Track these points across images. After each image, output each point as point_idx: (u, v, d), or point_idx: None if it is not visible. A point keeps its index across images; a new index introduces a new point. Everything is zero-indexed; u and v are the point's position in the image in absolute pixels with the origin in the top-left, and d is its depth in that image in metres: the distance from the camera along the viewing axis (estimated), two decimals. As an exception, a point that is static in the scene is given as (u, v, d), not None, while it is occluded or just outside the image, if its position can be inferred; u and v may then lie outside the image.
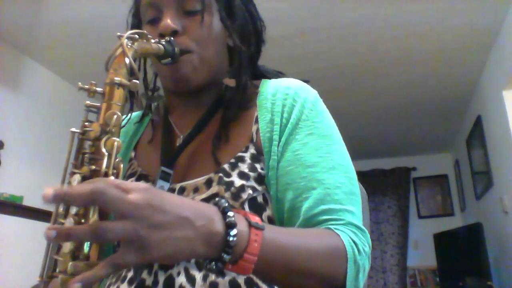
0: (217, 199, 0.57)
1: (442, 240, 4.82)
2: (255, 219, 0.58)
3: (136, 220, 0.47)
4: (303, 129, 0.75)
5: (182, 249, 0.50)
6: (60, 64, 3.44)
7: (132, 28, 0.83)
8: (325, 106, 0.81)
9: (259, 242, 0.56)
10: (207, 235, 0.52)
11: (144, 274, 0.69)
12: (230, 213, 0.55)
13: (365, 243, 0.68)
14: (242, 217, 0.57)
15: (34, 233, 2.96)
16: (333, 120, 0.80)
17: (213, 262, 0.54)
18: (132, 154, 0.86)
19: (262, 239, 0.56)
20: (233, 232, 0.53)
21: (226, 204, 0.56)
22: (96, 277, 0.47)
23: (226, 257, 0.53)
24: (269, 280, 0.67)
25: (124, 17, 0.87)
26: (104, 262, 0.48)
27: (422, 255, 5.65)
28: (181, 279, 0.67)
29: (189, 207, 0.53)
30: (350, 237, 0.66)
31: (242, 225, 0.56)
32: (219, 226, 0.53)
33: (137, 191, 0.48)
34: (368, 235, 0.70)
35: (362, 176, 5.68)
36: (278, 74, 0.91)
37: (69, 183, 0.56)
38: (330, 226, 0.67)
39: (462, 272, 4.08)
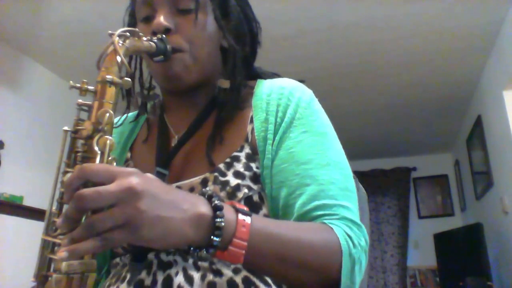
0: (202, 189, 0.58)
1: (442, 240, 4.81)
2: (242, 206, 0.58)
3: (121, 205, 0.48)
4: (297, 127, 0.75)
5: (172, 230, 0.52)
6: (60, 64, 3.44)
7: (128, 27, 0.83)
8: (320, 106, 0.81)
9: (248, 227, 0.56)
10: (195, 217, 0.53)
11: (143, 274, 0.69)
12: (215, 198, 0.56)
13: (360, 237, 0.67)
14: (228, 205, 0.58)
15: (34, 233, 2.96)
16: (328, 119, 0.80)
17: (204, 249, 0.55)
18: (128, 154, 0.86)
19: (251, 226, 0.57)
20: (220, 213, 0.54)
21: (211, 192, 0.57)
22: (83, 250, 0.48)
23: (216, 239, 0.54)
24: (262, 272, 0.67)
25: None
26: (95, 237, 0.49)
27: (422, 255, 5.64)
28: (179, 279, 0.67)
29: (175, 192, 0.55)
30: (345, 231, 0.65)
31: (228, 211, 0.57)
32: (206, 208, 0.55)
33: (122, 176, 0.50)
34: (365, 230, 0.70)
35: (362, 176, 5.67)
36: (274, 75, 0.90)
37: (62, 182, 0.56)
38: (324, 221, 0.67)
39: (462, 272, 4.07)
